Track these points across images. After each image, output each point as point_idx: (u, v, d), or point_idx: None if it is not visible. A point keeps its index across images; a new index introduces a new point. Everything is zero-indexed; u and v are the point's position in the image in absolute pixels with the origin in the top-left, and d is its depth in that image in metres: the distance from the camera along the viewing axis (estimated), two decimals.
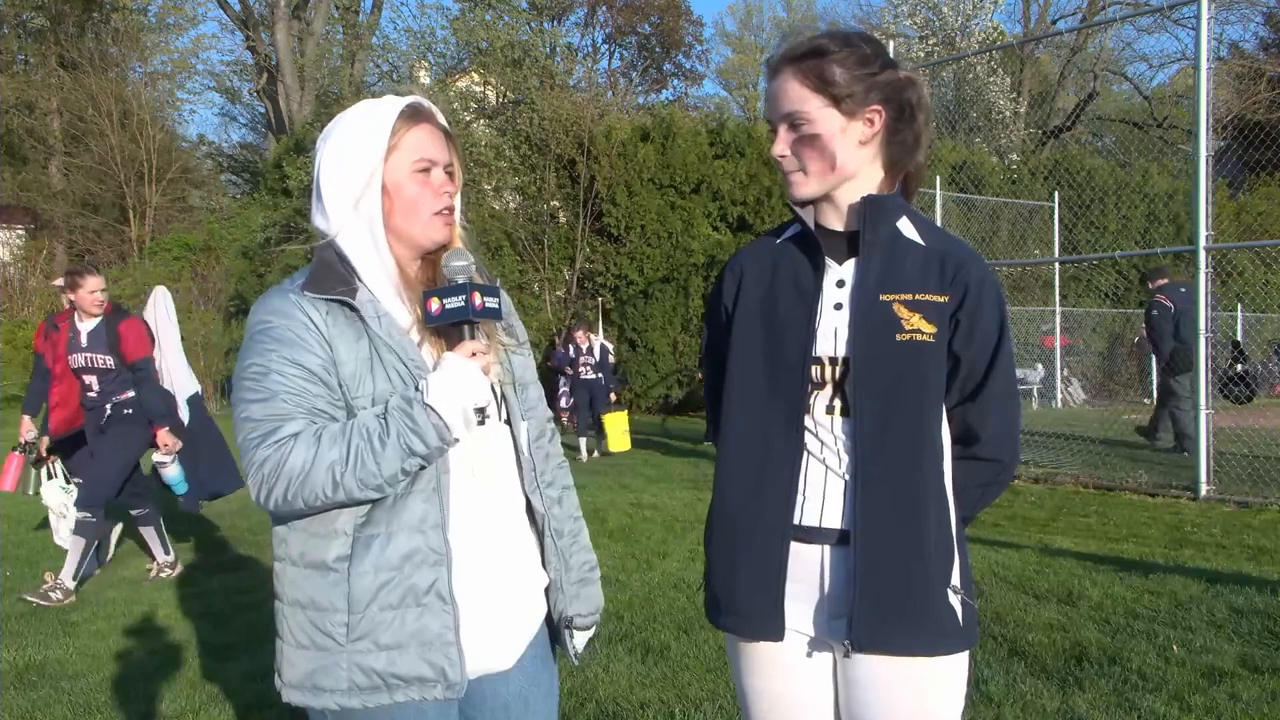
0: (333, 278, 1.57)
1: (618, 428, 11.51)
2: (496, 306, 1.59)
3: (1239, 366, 15.82)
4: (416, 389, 1.53)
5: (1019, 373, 13.25)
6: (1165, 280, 10.36)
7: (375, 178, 1.58)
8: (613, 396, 11.93)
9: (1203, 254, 7.59)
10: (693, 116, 22.40)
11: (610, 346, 13.09)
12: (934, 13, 26.64)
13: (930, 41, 26.15)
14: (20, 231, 25.67)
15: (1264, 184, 23.98)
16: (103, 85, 24.75)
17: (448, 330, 1.59)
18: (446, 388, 1.51)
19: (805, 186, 1.63)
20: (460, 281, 1.58)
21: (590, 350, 11.85)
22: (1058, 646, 4.05)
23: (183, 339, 6.83)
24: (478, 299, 1.56)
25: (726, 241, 15.86)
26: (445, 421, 1.50)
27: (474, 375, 1.53)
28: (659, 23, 32.48)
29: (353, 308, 1.56)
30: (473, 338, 1.57)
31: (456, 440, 1.53)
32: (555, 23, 27.90)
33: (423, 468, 1.52)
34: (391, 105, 1.60)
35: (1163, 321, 9.95)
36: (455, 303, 1.56)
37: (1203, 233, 7.56)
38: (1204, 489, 7.56)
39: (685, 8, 33.28)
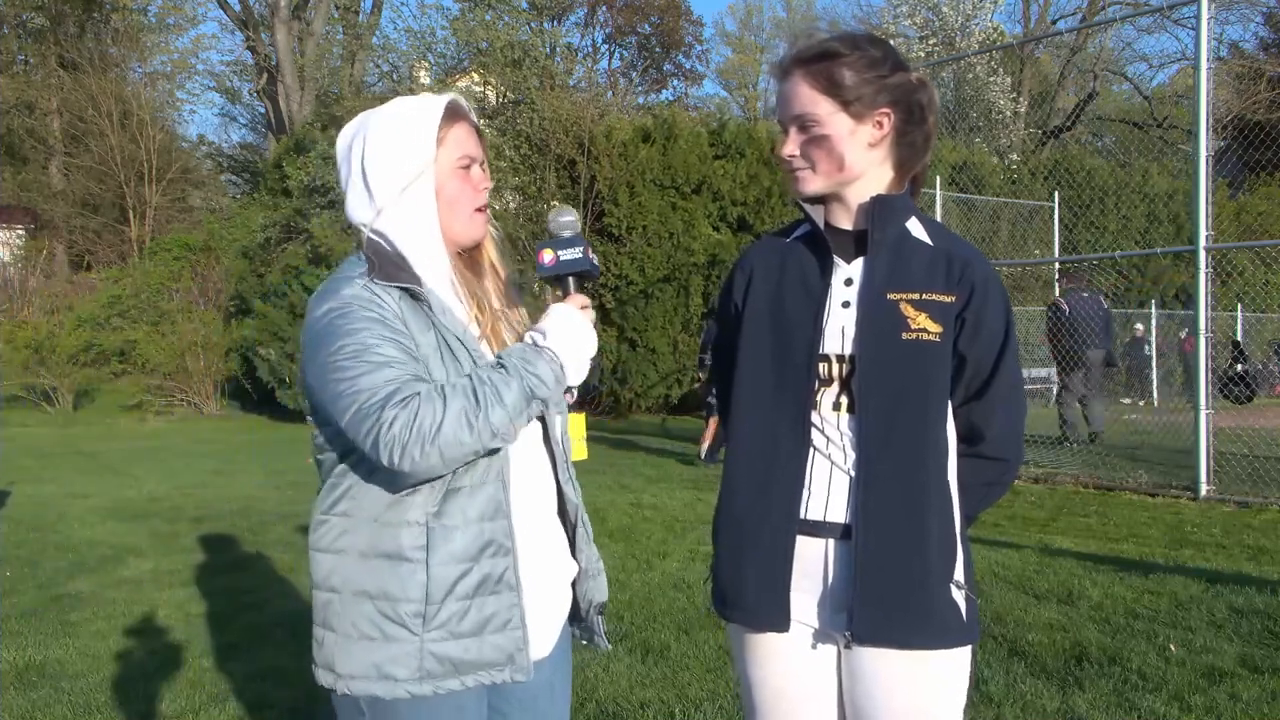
0: (394, 267, 1.58)
1: (573, 434, 10.84)
2: (597, 264, 1.63)
3: (1239, 366, 15.88)
4: (528, 339, 1.55)
5: (1044, 372, 13.70)
6: (1072, 285, 11.21)
7: (427, 174, 1.60)
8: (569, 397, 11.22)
9: (1203, 254, 7.60)
10: (693, 117, 22.40)
11: None
12: (934, 13, 26.66)
13: (930, 41, 26.16)
14: (20, 231, 25.65)
15: (1264, 184, 23.99)
16: (103, 85, 24.74)
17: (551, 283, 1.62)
18: (563, 333, 1.54)
19: (811, 183, 1.65)
20: (568, 235, 1.61)
21: None
22: (1058, 646, 4.05)
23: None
24: (589, 251, 1.60)
25: (727, 242, 15.87)
26: (563, 365, 1.53)
27: (584, 323, 1.57)
28: (659, 23, 32.49)
29: (418, 296, 1.57)
30: (581, 291, 1.60)
31: (571, 388, 1.56)
32: (555, 23, 27.90)
33: (541, 417, 1.55)
34: (436, 103, 1.62)
35: (1053, 323, 10.81)
36: (572, 254, 1.59)
37: (1203, 233, 7.56)
38: (1204, 489, 7.56)
39: (685, 8, 33.31)
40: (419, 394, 1.46)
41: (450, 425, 1.44)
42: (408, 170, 1.58)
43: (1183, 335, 18.65)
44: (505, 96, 18.49)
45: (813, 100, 1.60)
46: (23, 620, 4.85)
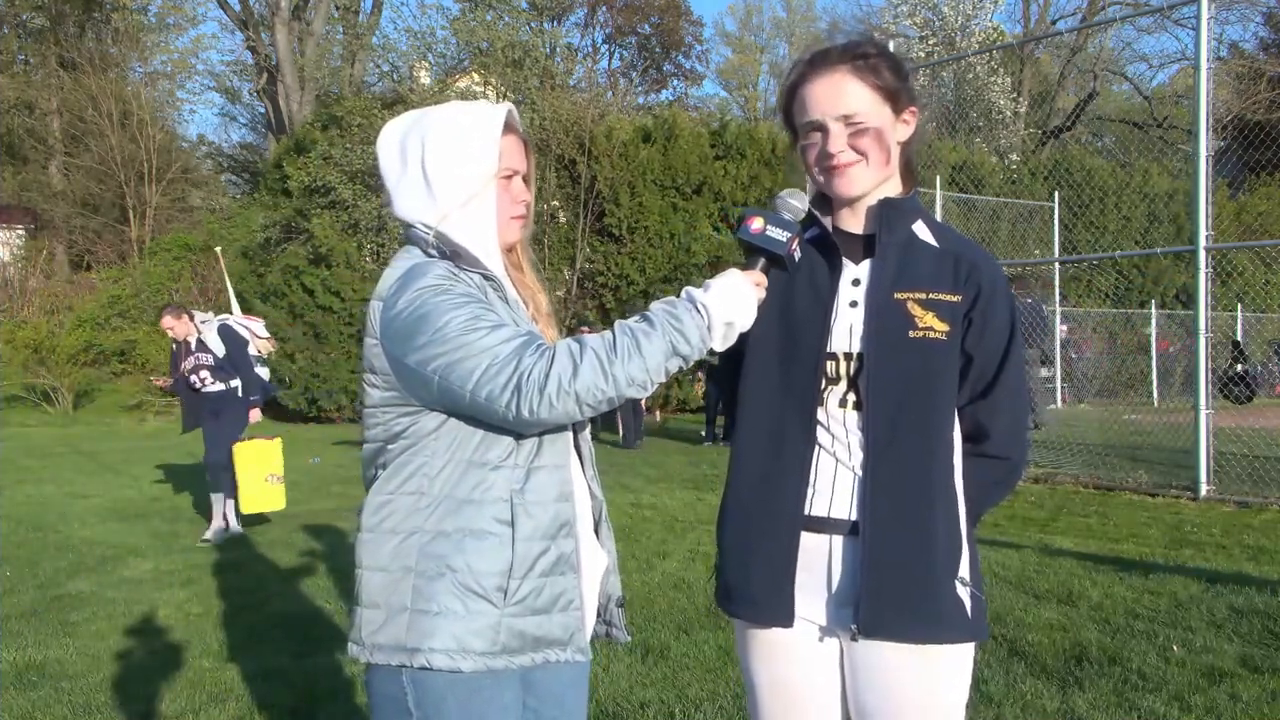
0: (467, 257, 1.63)
1: (257, 467, 6.81)
2: (798, 262, 1.64)
3: (1239, 366, 15.88)
4: (683, 295, 1.58)
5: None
6: (1018, 290, 12.03)
7: (490, 185, 1.65)
8: (254, 415, 7.11)
9: (1203, 254, 7.59)
10: (693, 117, 22.41)
11: (259, 329, 7.62)
12: (934, 13, 26.65)
13: (930, 41, 26.16)
14: (20, 231, 25.64)
15: (1264, 184, 23.99)
16: (103, 85, 24.73)
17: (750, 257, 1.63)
18: (722, 295, 1.56)
19: (860, 180, 1.64)
20: (786, 218, 1.62)
21: (203, 346, 6.94)
22: (1058, 646, 4.05)
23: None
24: (795, 245, 1.61)
25: (729, 243, 15.88)
26: (710, 324, 1.54)
27: (749, 297, 1.58)
28: (659, 23, 32.50)
29: (495, 285, 1.63)
30: (765, 274, 1.62)
31: (713, 350, 1.57)
32: (555, 23, 27.91)
33: (681, 369, 1.57)
34: (497, 116, 1.67)
35: None
36: (778, 234, 1.60)
37: (1203, 233, 7.56)
38: (1204, 489, 7.56)
39: (685, 8, 33.32)
40: (552, 344, 1.51)
41: (588, 372, 1.47)
42: (471, 184, 1.64)
43: (1151, 333, 18.71)
44: (505, 97, 18.49)
45: (863, 95, 1.62)
46: (23, 620, 4.85)
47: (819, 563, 1.65)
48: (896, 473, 1.60)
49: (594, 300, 16.83)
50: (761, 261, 1.62)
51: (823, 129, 1.63)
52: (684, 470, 9.93)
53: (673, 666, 3.91)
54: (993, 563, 5.51)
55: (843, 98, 1.61)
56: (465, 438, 1.59)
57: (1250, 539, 6.14)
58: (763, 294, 1.61)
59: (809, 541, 1.65)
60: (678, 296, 1.59)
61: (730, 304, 1.55)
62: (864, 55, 1.62)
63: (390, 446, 1.63)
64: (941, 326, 1.61)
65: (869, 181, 1.65)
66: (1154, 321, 18.48)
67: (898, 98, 1.63)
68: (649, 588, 5.13)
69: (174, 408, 17.78)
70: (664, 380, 1.55)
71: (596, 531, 1.78)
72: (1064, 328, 17.10)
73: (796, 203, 1.64)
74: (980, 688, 3.57)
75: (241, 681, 3.87)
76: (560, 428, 1.63)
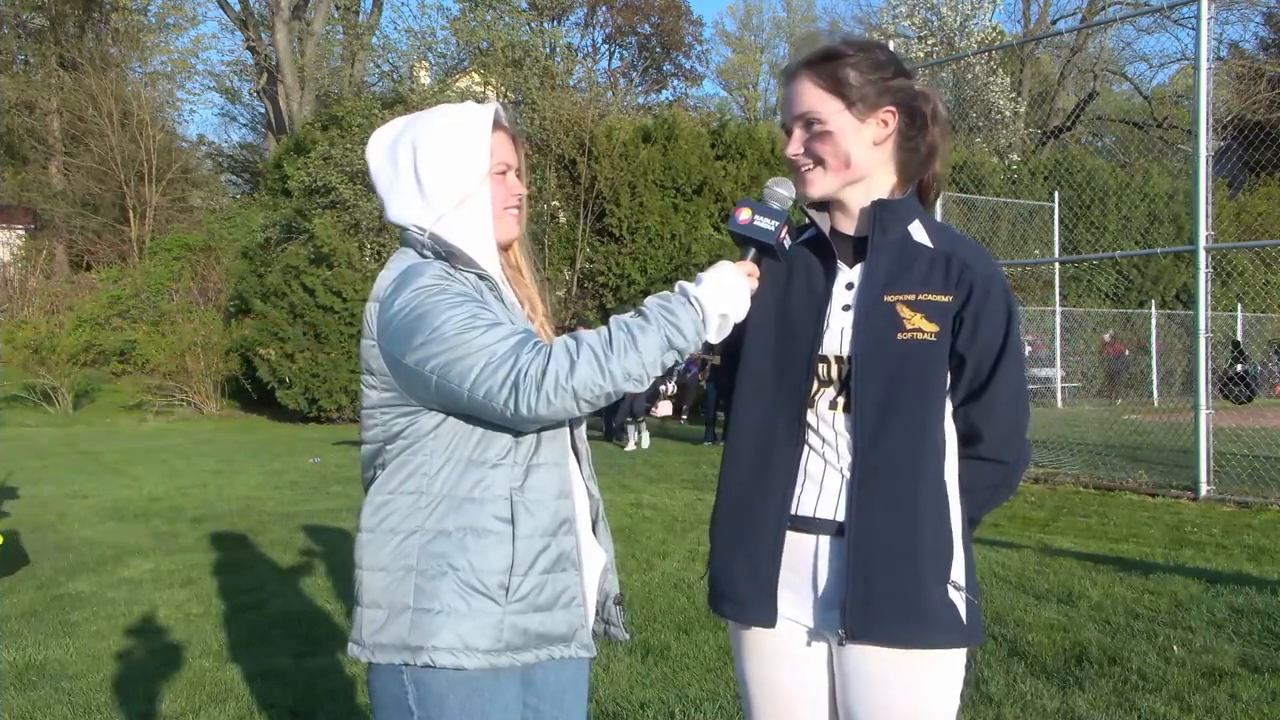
0: (462, 258, 1.64)
1: None
2: (787, 249, 1.65)
3: (1239, 366, 15.90)
4: (676, 289, 1.59)
5: (1045, 372, 13.79)
6: None
7: (483, 186, 1.66)
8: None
9: (1203, 254, 7.60)
10: (693, 117, 22.42)
11: None
12: (933, 13, 26.65)
13: (930, 41, 26.15)
14: (20, 231, 25.64)
15: (1264, 184, 24.02)
16: (103, 85, 24.74)
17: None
18: (715, 287, 1.57)
19: (819, 184, 1.66)
20: (775, 208, 1.63)
21: None
22: (1058, 646, 4.05)
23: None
24: (784, 234, 1.62)
25: (729, 243, 15.90)
26: (705, 317, 1.55)
27: (742, 288, 1.59)
28: (659, 23, 32.52)
29: (491, 285, 1.64)
30: (757, 264, 1.64)
31: (708, 342, 1.59)
32: (555, 23, 27.92)
33: (676, 364, 1.59)
34: (484, 116, 1.69)
35: None
36: (766, 224, 1.61)
37: (1203, 233, 7.56)
38: (1204, 489, 7.56)
39: (685, 8, 33.35)
40: (549, 341, 1.53)
41: (585, 367, 1.49)
42: (465, 185, 1.65)
43: (1106, 337, 18.64)
44: (505, 96, 18.49)
45: (818, 99, 1.62)
46: (23, 620, 4.84)
47: (805, 563, 1.65)
48: (883, 475, 1.60)
49: (594, 300, 16.83)
50: (752, 252, 1.63)
51: (788, 132, 1.67)
52: (684, 470, 9.93)
53: (673, 666, 3.91)
54: (993, 563, 5.51)
55: (796, 102, 1.64)
56: (464, 436, 1.59)
57: (1250, 539, 6.14)
58: (755, 284, 1.62)
59: (795, 541, 1.65)
60: (672, 291, 1.60)
61: (723, 296, 1.57)
62: (826, 58, 1.63)
63: (389, 447, 1.63)
64: (930, 327, 1.60)
65: (828, 185, 1.65)
66: (1154, 321, 18.49)
67: (854, 100, 1.61)
68: (649, 588, 5.13)
69: (174, 408, 17.79)
70: (659, 374, 1.56)
71: (594, 530, 1.79)
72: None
73: (784, 191, 1.64)
74: (980, 688, 3.57)
75: (241, 681, 3.87)
76: (558, 425, 1.64)
